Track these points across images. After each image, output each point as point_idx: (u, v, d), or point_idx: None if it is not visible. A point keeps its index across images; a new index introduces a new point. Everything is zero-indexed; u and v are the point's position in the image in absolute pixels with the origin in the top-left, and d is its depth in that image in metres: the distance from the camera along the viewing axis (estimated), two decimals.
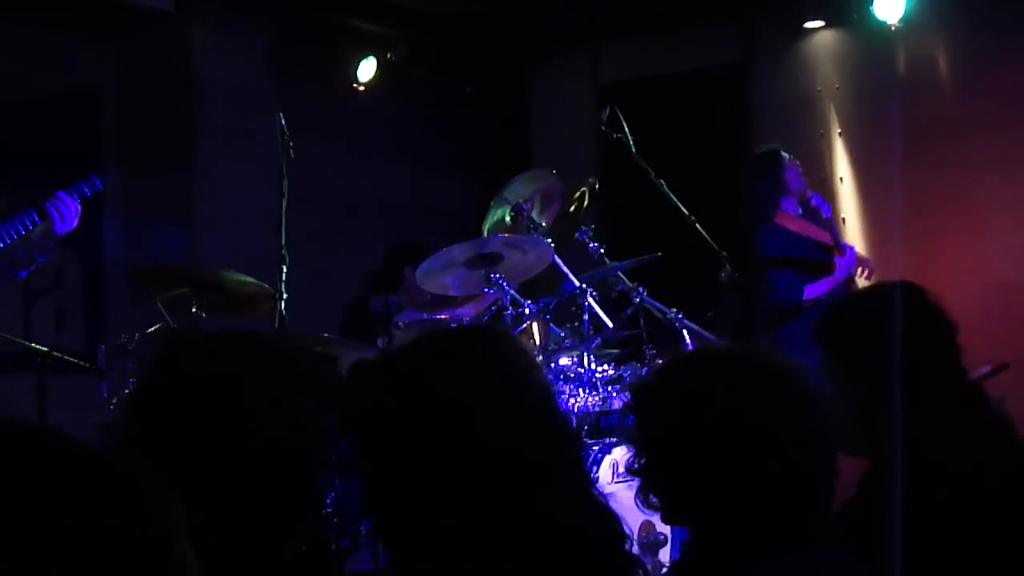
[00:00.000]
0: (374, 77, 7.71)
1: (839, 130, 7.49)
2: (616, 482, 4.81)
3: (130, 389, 4.60)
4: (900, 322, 2.40)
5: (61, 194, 4.44)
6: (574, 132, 8.43)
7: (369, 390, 1.82)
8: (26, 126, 6.71)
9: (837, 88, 7.50)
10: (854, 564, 1.99)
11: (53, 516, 0.92)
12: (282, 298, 4.79)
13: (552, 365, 5.21)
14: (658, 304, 5.40)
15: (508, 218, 5.81)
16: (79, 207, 4.48)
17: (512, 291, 5.33)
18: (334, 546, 5.00)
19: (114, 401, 4.88)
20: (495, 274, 5.30)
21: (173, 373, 1.82)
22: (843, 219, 7.12)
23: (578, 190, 5.96)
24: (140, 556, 0.95)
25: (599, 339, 5.37)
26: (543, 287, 5.73)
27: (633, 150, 5.75)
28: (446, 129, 8.43)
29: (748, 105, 7.79)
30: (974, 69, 7.03)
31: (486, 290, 5.48)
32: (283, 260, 4.81)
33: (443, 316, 5.92)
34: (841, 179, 7.42)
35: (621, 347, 5.70)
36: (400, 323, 5.68)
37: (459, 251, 5.33)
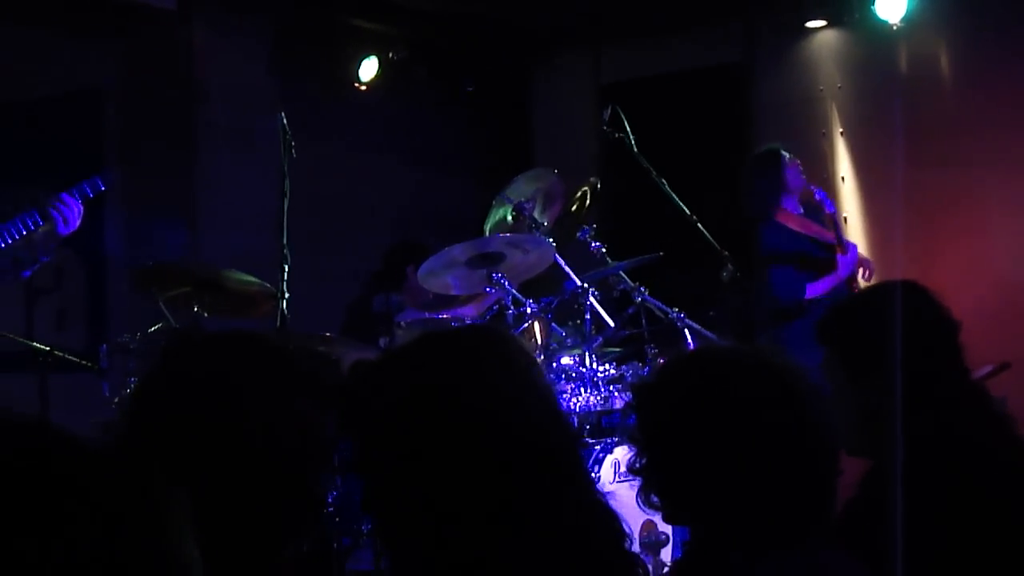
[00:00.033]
0: (376, 76, 7.71)
1: (841, 130, 7.48)
2: (618, 481, 4.81)
3: (131, 389, 4.61)
4: (902, 322, 2.40)
5: (64, 195, 4.44)
6: (576, 131, 8.43)
7: (369, 390, 1.82)
8: (28, 126, 6.71)
9: (839, 88, 7.49)
10: (855, 564, 1.99)
11: (60, 513, 0.92)
12: (284, 297, 4.79)
13: (554, 364, 5.22)
14: (660, 303, 5.40)
15: (510, 217, 5.81)
16: (82, 208, 4.48)
17: (514, 290, 5.33)
18: (335, 545, 5.00)
19: (116, 400, 4.88)
20: (497, 273, 5.31)
21: (174, 373, 1.82)
22: (845, 218, 7.11)
23: (580, 189, 5.96)
24: (145, 553, 0.95)
25: (601, 338, 5.38)
26: (545, 286, 5.73)
27: (635, 149, 5.75)
28: (448, 128, 8.42)
29: (750, 105, 7.79)
30: (976, 69, 7.02)
31: (488, 289, 5.49)
32: (285, 259, 4.81)
33: (445, 316, 5.92)
34: (843, 179, 7.42)
35: (623, 346, 5.70)
36: (402, 322, 5.68)
37: (461, 250, 5.33)
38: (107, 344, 5.20)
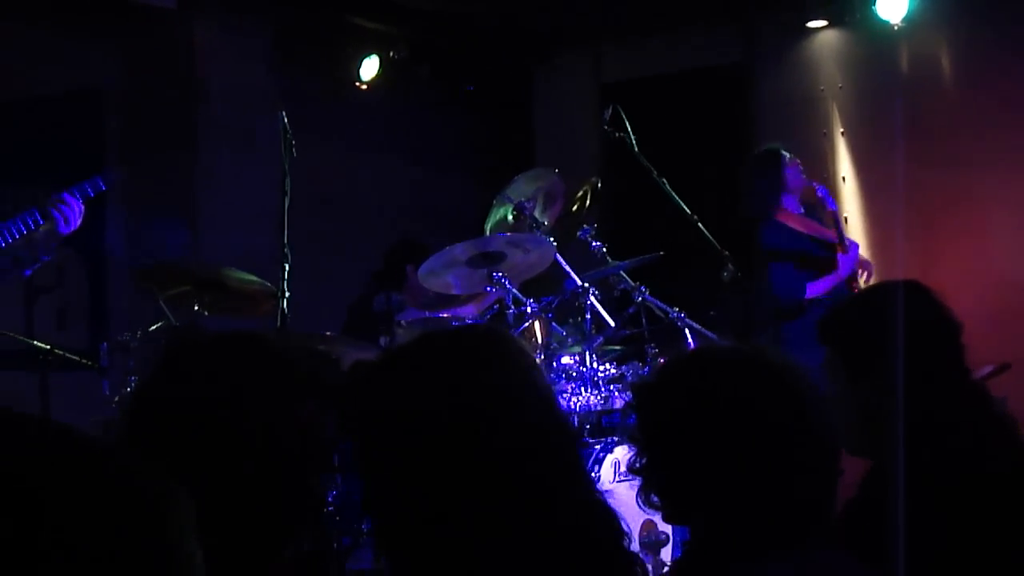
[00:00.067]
0: (377, 76, 7.71)
1: (841, 130, 7.48)
2: (618, 481, 4.81)
3: (132, 388, 4.61)
4: (903, 322, 2.40)
5: (65, 195, 4.44)
6: (576, 131, 8.43)
7: (369, 391, 1.82)
8: (29, 125, 6.71)
9: (840, 87, 7.50)
10: (856, 564, 1.99)
11: (65, 511, 0.92)
12: (284, 297, 4.79)
13: (554, 364, 5.22)
14: (660, 303, 5.40)
15: (510, 217, 5.81)
16: (83, 207, 4.48)
17: (514, 290, 5.33)
18: (336, 545, 5.00)
19: (116, 399, 4.88)
20: (497, 273, 5.31)
21: (174, 374, 1.82)
22: (845, 219, 7.11)
23: (580, 189, 5.96)
24: (148, 552, 0.95)
25: (601, 338, 5.38)
26: (545, 286, 5.73)
27: (635, 149, 5.75)
28: (448, 128, 8.43)
29: (751, 104, 7.79)
30: (977, 69, 7.02)
31: (488, 289, 5.49)
32: (285, 258, 4.81)
33: (445, 315, 5.92)
34: (844, 179, 7.42)
35: (623, 346, 5.70)
36: (402, 322, 5.68)
37: (461, 250, 5.33)
38: (108, 343, 5.21)
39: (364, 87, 7.74)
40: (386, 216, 7.85)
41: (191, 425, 1.73)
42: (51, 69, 6.80)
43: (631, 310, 5.45)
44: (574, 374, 5.26)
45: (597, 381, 5.23)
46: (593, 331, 5.30)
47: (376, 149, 7.99)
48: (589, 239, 5.69)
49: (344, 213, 7.67)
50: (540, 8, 7.94)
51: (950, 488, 2.46)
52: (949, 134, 6.95)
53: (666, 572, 4.46)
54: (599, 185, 6.04)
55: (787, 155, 6.10)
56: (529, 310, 5.25)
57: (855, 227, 7.19)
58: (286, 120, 5.02)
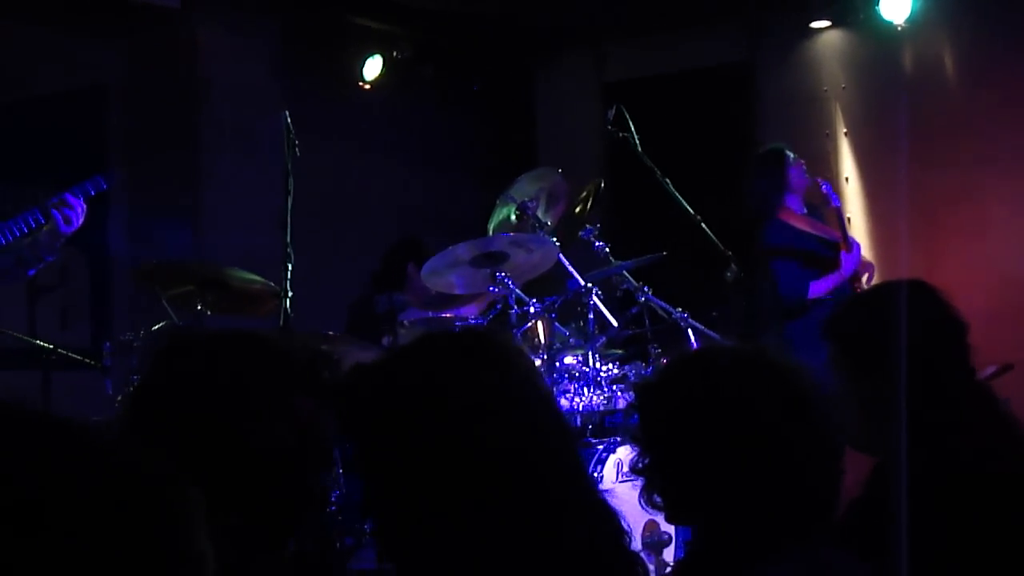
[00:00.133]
0: (380, 75, 7.71)
1: (845, 130, 7.48)
2: (620, 481, 4.81)
3: (130, 388, 4.61)
4: (908, 320, 2.39)
5: (66, 195, 4.44)
6: (579, 131, 8.43)
7: (369, 392, 1.82)
8: (32, 123, 6.71)
9: (843, 88, 7.49)
10: (859, 564, 1.98)
11: (77, 506, 0.92)
12: (287, 296, 4.79)
13: (557, 364, 5.21)
14: (663, 303, 5.40)
15: (513, 217, 5.81)
16: (85, 207, 4.48)
17: (517, 290, 5.33)
18: (338, 544, 5.00)
19: (119, 398, 4.88)
20: (500, 273, 5.31)
21: (171, 374, 1.82)
22: (848, 219, 7.11)
23: (584, 189, 5.96)
24: (158, 546, 0.95)
25: (604, 338, 5.37)
26: (548, 286, 5.73)
27: (639, 149, 5.75)
28: (451, 128, 8.43)
29: (754, 104, 7.79)
30: (980, 69, 7.02)
31: (491, 289, 5.48)
32: (288, 258, 4.81)
33: (448, 315, 5.92)
34: (847, 179, 7.41)
35: (626, 346, 5.70)
36: (405, 321, 5.68)
37: (464, 250, 5.33)
38: (110, 342, 5.21)
39: (367, 87, 7.74)
40: (389, 216, 7.86)
41: (189, 425, 1.73)
42: (54, 68, 6.81)
43: (634, 310, 5.45)
44: (577, 374, 5.26)
45: (600, 381, 5.22)
46: (596, 331, 5.30)
47: (379, 149, 7.99)
48: (592, 239, 5.69)
49: (347, 213, 7.68)
50: (543, 8, 7.94)
51: (954, 488, 2.45)
52: (952, 134, 6.95)
53: (669, 572, 4.46)
54: (602, 185, 6.03)
55: (791, 155, 6.09)
56: (532, 310, 5.25)
57: (858, 227, 7.18)
58: (289, 120, 5.02)
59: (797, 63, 7.66)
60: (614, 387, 5.28)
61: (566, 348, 5.33)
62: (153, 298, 5.20)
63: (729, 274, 5.72)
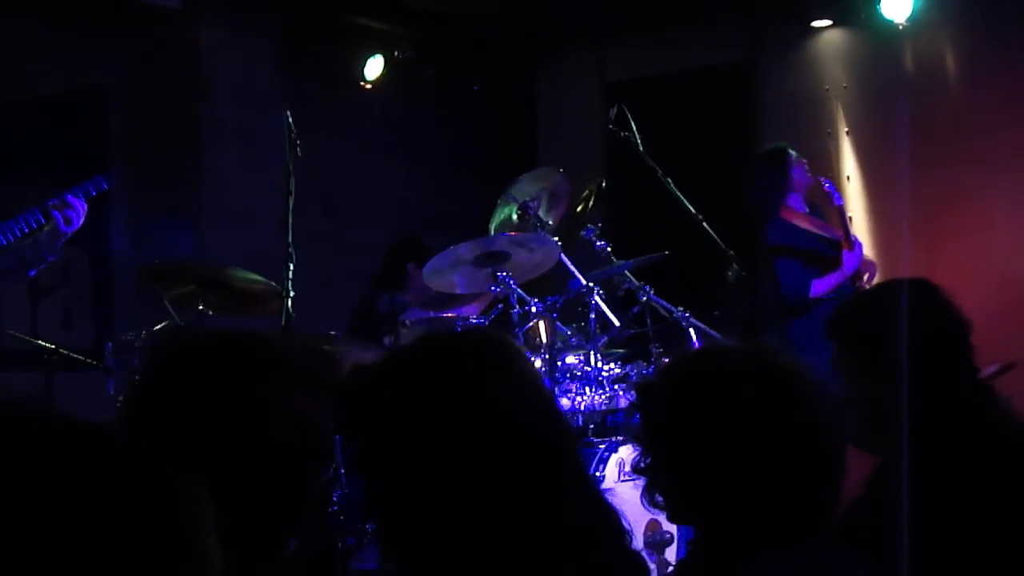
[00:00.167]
0: (381, 75, 7.71)
1: (846, 129, 7.48)
2: (622, 480, 4.81)
3: (127, 388, 4.61)
4: (911, 319, 2.39)
5: (68, 196, 4.45)
6: (581, 130, 8.43)
7: (370, 394, 1.82)
8: (34, 123, 6.72)
9: (844, 87, 7.49)
10: (861, 563, 1.98)
11: (87, 506, 0.93)
12: (289, 296, 4.79)
13: (559, 363, 5.22)
14: (665, 303, 5.40)
15: (515, 216, 5.81)
16: (85, 207, 4.49)
17: (519, 289, 5.33)
18: (340, 544, 5.01)
19: (121, 399, 4.89)
20: (502, 272, 5.31)
21: (170, 373, 1.82)
22: (850, 218, 7.11)
23: (585, 189, 5.96)
24: (171, 548, 0.96)
25: (606, 338, 5.38)
26: (550, 285, 5.73)
27: (640, 149, 5.75)
28: (453, 127, 8.43)
29: (755, 104, 7.78)
30: (982, 68, 7.02)
31: (493, 288, 5.49)
32: (290, 258, 4.81)
33: (449, 315, 5.92)
34: (848, 178, 7.41)
35: (627, 346, 5.70)
36: (407, 322, 5.69)
37: (466, 249, 5.33)
38: (113, 342, 5.22)
39: (368, 87, 7.74)
40: (390, 216, 7.86)
41: (186, 425, 1.73)
42: (56, 68, 6.81)
43: (636, 310, 5.45)
44: (578, 374, 5.27)
45: (601, 381, 5.23)
46: (597, 331, 5.30)
47: (380, 149, 7.99)
48: (593, 238, 5.69)
49: (348, 213, 7.68)
50: (544, 8, 7.94)
51: (956, 488, 2.46)
52: (953, 133, 6.94)
53: (671, 572, 4.46)
54: (603, 185, 6.03)
55: (793, 154, 6.09)
56: (534, 310, 5.26)
57: (860, 226, 7.18)
58: (290, 120, 5.02)
59: (798, 62, 7.66)
60: (616, 387, 5.28)
61: (568, 348, 5.33)
62: (155, 298, 5.20)
63: (731, 273, 5.72)
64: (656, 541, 4.59)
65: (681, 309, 5.34)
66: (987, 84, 6.97)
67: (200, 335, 2.05)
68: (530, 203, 5.74)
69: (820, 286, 5.85)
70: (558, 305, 5.29)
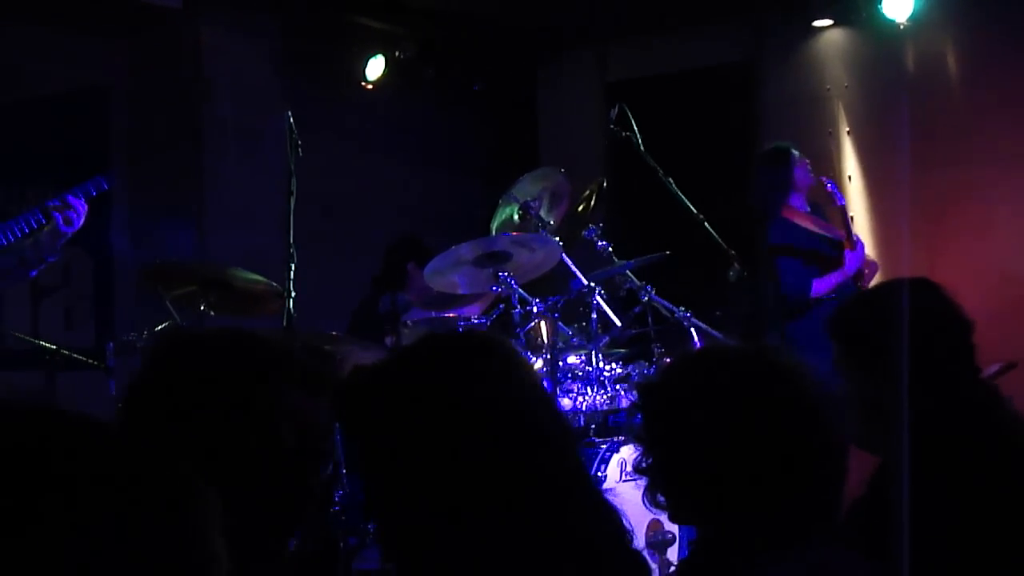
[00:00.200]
0: (382, 75, 7.71)
1: (847, 128, 7.47)
2: (624, 480, 4.81)
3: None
4: (912, 319, 2.39)
5: (68, 196, 4.45)
6: (582, 130, 8.43)
7: (370, 394, 1.82)
8: (35, 123, 6.72)
9: (846, 87, 7.49)
10: (863, 563, 1.98)
11: (96, 505, 0.93)
12: (290, 296, 4.79)
13: (560, 363, 5.21)
14: (666, 303, 5.40)
15: (516, 216, 5.81)
16: (86, 207, 4.49)
17: (520, 289, 5.33)
18: (342, 544, 5.00)
19: (120, 398, 4.89)
20: (503, 272, 5.31)
21: (167, 372, 1.82)
22: (851, 217, 7.11)
23: (586, 188, 5.96)
24: (179, 547, 0.96)
25: (607, 337, 5.37)
26: (551, 285, 5.73)
27: (641, 148, 5.75)
28: (454, 127, 8.43)
29: (757, 103, 7.78)
30: (983, 67, 7.01)
31: (494, 288, 5.49)
32: (291, 258, 4.81)
33: (451, 315, 5.92)
34: (850, 178, 7.41)
35: (629, 346, 5.70)
36: (408, 322, 5.69)
37: (467, 249, 5.33)
38: (114, 343, 5.22)
39: (369, 87, 7.74)
40: (391, 216, 7.86)
41: (184, 425, 1.73)
42: (57, 68, 6.81)
43: (637, 309, 5.45)
44: (580, 374, 5.26)
45: (603, 381, 5.23)
46: (599, 331, 5.30)
47: (381, 149, 8.00)
48: (595, 238, 5.69)
49: (350, 213, 7.68)
50: (545, 7, 7.94)
51: (959, 487, 2.45)
52: (955, 133, 6.94)
53: (673, 572, 4.46)
54: (605, 184, 6.03)
55: (796, 153, 6.09)
56: (535, 310, 5.25)
57: (861, 225, 7.17)
58: (291, 120, 5.02)
59: (799, 62, 7.66)
60: (617, 386, 5.28)
61: (569, 348, 5.33)
62: (156, 299, 5.20)
63: (732, 273, 5.72)
64: (658, 541, 4.59)
65: (682, 309, 5.34)
66: (988, 84, 6.96)
67: (199, 335, 2.04)
68: (531, 203, 5.74)
69: (821, 286, 5.85)
70: (559, 305, 5.29)
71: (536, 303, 5.27)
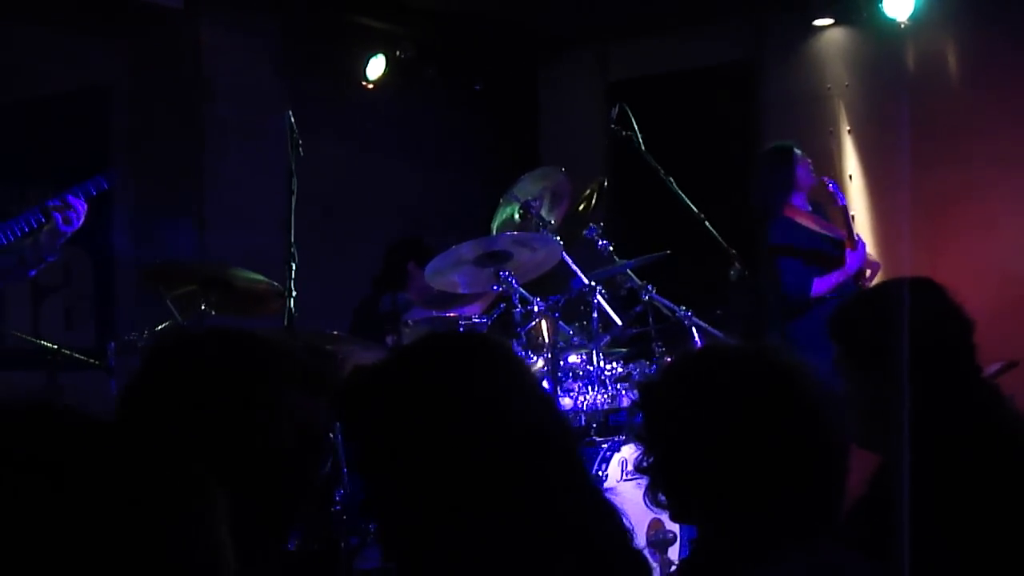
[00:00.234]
0: (383, 75, 7.71)
1: (848, 128, 7.47)
2: (625, 480, 4.81)
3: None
4: (913, 318, 2.39)
5: (68, 196, 4.45)
6: (583, 130, 8.43)
7: (370, 394, 1.82)
8: (36, 123, 6.72)
9: (846, 86, 7.49)
10: (864, 563, 1.98)
11: (103, 501, 0.93)
12: (291, 296, 4.79)
13: (561, 363, 5.21)
14: (667, 302, 5.40)
15: (517, 216, 5.81)
16: (85, 206, 4.49)
17: (521, 289, 5.33)
18: (343, 544, 5.00)
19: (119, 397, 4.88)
20: (504, 272, 5.31)
21: (170, 372, 1.82)
22: (852, 217, 7.11)
23: (587, 188, 5.96)
24: (189, 541, 0.96)
25: (608, 337, 5.38)
26: (552, 285, 5.73)
27: (642, 148, 5.75)
28: (455, 127, 8.43)
29: (757, 103, 7.78)
30: (983, 66, 7.01)
31: (495, 288, 5.49)
32: (292, 258, 4.81)
33: (451, 314, 5.92)
34: (850, 177, 7.41)
35: (630, 345, 5.70)
36: (409, 321, 5.69)
37: (468, 249, 5.33)
38: (115, 342, 5.22)
39: (370, 86, 7.74)
40: (392, 215, 7.86)
41: (182, 425, 1.73)
42: (57, 68, 6.81)
43: (638, 309, 5.45)
44: (581, 373, 5.26)
45: (604, 380, 5.23)
46: (600, 330, 5.30)
47: (382, 148, 8.00)
48: (596, 238, 5.69)
49: (350, 212, 7.68)
50: (546, 7, 7.94)
51: (960, 487, 2.45)
52: (955, 132, 6.94)
53: (673, 571, 4.46)
54: (605, 184, 6.03)
55: (798, 152, 6.09)
56: (536, 309, 5.25)
57: (862, 225, 7.17)
58: (292, 119, 5.02)
59: (800, 61, 7.66)
60: (618, 386, 5.28)
61: (570, 347, 5.33)
62: (157, 298, 5.20)
63: (733, 272, 5.72)
64: (659, 540, 4.59)
65: (683, 308, 5.34)
66: (989, 82, 6.96)
67: (199, 335, 2.04)
68: (532, 202, 5.74)
69: (821, 285, 5.85)
70: (560, 304, 5.29)
71: (537, 302, 5.27)
